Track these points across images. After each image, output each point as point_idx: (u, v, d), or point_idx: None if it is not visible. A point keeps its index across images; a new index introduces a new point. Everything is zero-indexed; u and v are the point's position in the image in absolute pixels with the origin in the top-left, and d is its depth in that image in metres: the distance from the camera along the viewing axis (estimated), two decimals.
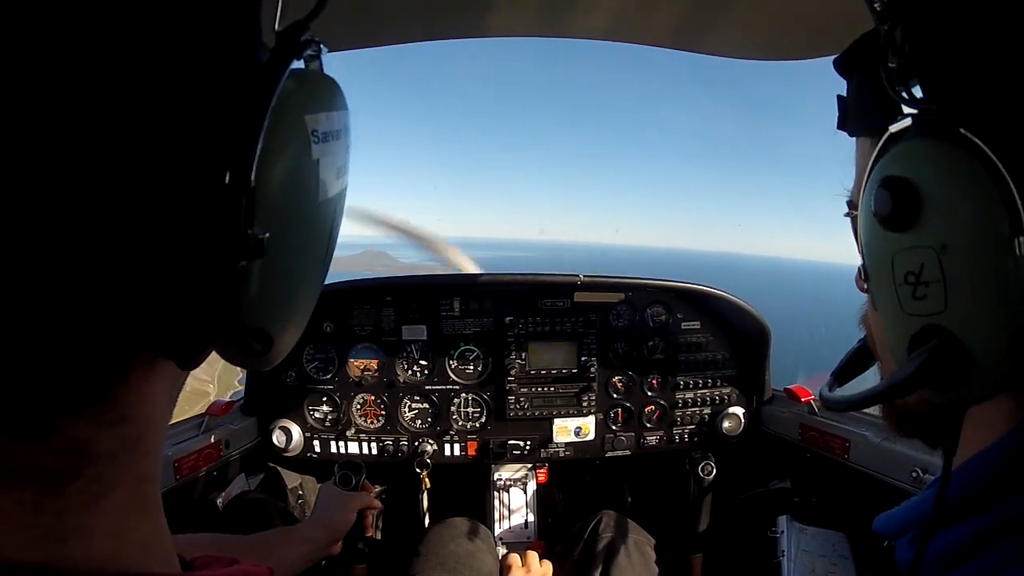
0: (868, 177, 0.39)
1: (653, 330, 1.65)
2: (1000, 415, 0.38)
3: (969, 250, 0.34)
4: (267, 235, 0.27)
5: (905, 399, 0.44)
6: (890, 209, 0.36)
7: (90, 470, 0.27)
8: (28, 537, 0.25)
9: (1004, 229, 0.32)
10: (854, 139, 0.47)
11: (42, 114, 0.22)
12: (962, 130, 0.33)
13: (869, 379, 0.54)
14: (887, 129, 0.39)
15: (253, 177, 0.26)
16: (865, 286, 0.43)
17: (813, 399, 1.53)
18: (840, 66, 0.45)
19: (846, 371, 0.56)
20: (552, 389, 1.63)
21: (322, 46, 0.32)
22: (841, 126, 0.47)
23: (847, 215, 0.48)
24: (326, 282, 0.36)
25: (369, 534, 1.34)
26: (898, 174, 0.36)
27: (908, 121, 0.37)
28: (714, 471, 1.56)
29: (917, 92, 0.36)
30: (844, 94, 0.46)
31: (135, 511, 0.29)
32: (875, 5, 0.37)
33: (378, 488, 1.30)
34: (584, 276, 1.60)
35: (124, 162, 0.23)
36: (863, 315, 0.50)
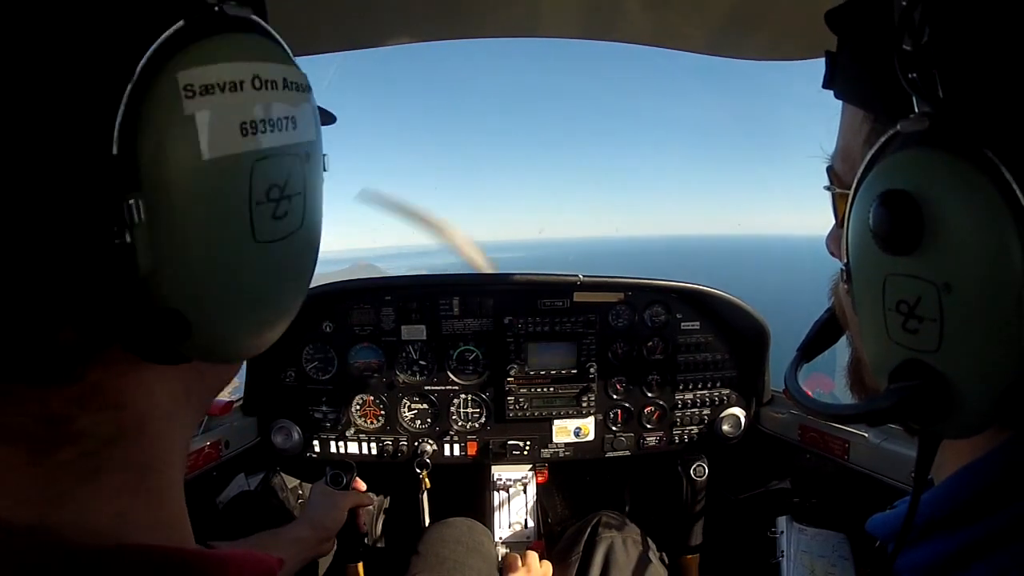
0: (861, 175, 0.35)
1: (652, 330, 1.65)
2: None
3: (979, 294, 0.30)
4: (136, 201, 0.26)
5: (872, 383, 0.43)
6: (890, 230, 0.32)
7: (78, 444, 0.29)
8: (24, 497, 0.28)
9: (1020, 275, 0.28)
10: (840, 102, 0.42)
11: None
12: (988, 152, 0.29)
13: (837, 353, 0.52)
14: (884, 111, 0.35)
15: (115, 143, 0.25)
16: (845, 287, 0.40)
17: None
18: (834, 21, 0.40)
19: (814, 346, 0.53)
20: (551, 390, 1.63)
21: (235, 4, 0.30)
22: (828, 85, 0.41)
23: (827, 188, 0.43)
24: (314, 283, 0.35)
25: (363, 532, 1.34)
26: (904, 189, 0.31)
27: (924, 124, 0.31)
28: (706, 472, 1.57)
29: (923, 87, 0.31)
30: (835, 51, 0.40)
31: (140, 497, 0.31)
32: None
33: (373, 498, 1.31)
34: (583, 276, 1.60)
35: None
36: (833, 285, 0.47)
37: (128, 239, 0.26)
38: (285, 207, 0.32)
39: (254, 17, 0.32)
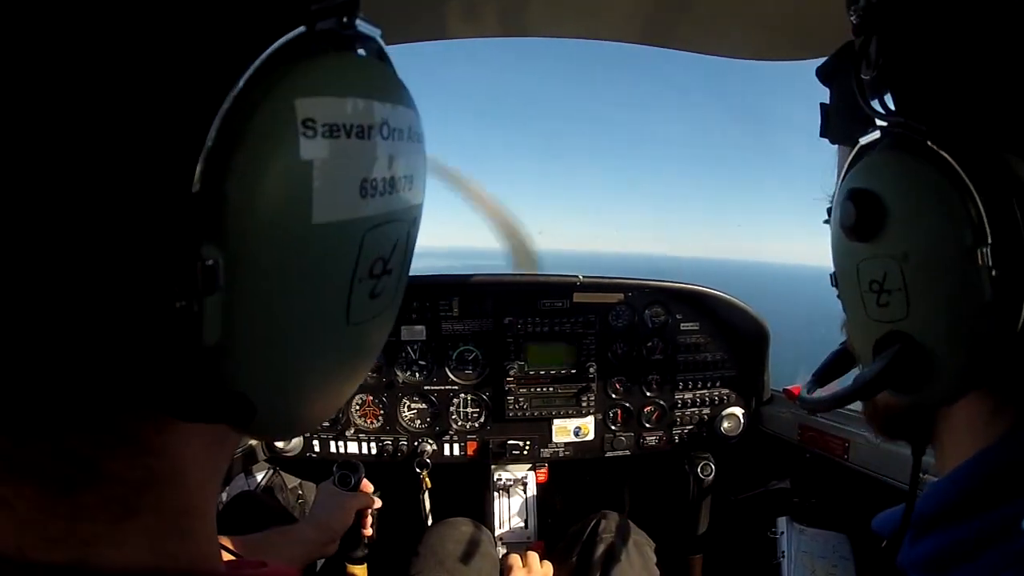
0: (838, 188, 0.41)
1: (652, 331, 1.65)
2: (982, 419, 0.38)
3: (930, 259, 0.34)
4: (214, 261, 0.19)
5: (883, 400, 0.45)
6: (854, 220, 0.37)
7: (106, 489, 0.25)
8: (47, 537, 0.24)
9: (967, 239, 0.32)
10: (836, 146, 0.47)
11: None
12: (929, 143, 0.34)
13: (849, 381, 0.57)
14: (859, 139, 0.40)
15: (197, 181, 0.19)
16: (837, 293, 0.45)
17: None
18: (821, 74, 0.46)
19: (827, 374, 0.56)
20: (551, 389, 1.63)
21: (363, 23, 0.24)
22: (823, 133, 0.47)
23: (826, 222, 0.49)
24: None
25: (368, 534, 1.34)
26: (863, 186, 0.37)
27: (877, 134, 0.38)
28: (713, 471, 1.57)
29: (891, 105, 0.36)
30: (827, 101, 0.46)
31: (174, 539, 0.28)
32: (852, 18, 0.38)
33: (378, 500, 1.30)
34: (583, 276, 1.61)
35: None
36: (844, 320, 0.50)
37: (195, 306, 0.19)
38: (384, 284, 0.27)
39: (381, 41, 0.25)
